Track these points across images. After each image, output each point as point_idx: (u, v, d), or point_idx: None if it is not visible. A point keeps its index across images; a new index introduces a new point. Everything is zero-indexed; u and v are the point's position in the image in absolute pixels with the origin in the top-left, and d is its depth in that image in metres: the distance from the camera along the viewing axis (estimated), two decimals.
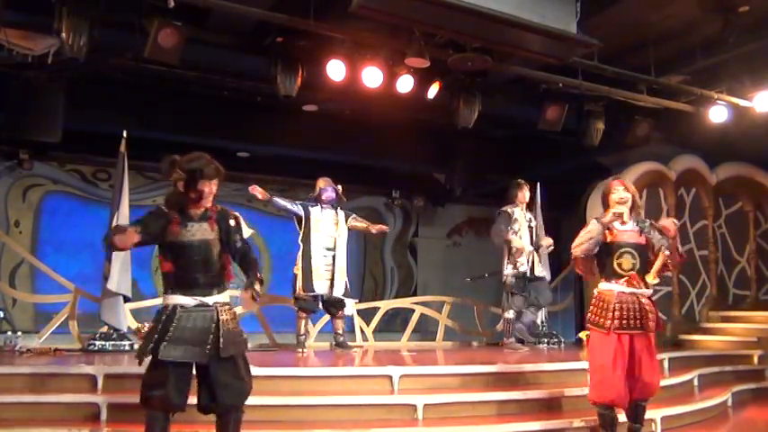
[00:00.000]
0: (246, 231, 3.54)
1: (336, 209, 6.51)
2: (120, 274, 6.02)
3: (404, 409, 4.57)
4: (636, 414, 4.13)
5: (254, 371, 4.74)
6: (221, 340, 3.29)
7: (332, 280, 6.29)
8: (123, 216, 6.13)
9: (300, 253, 6.35)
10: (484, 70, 6.63)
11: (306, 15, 5.57)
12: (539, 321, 7.50)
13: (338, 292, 6.32)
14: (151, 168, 9.13)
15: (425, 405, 4.56)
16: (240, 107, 8.06)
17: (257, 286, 3.39)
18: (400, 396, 4.69)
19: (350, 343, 6.76)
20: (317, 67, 6.32)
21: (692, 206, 8.45)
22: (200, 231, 3.36)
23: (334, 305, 6.41)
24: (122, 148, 6.31)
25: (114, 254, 5.99)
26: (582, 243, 4.12)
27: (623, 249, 4.08)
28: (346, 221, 6.53)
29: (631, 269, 4.05)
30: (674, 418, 4.99)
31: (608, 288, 4.08)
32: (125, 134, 6.30)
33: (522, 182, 6.95)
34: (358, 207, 11.29)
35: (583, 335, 4.48)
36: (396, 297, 10.83)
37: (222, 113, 8.09)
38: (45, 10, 5.22)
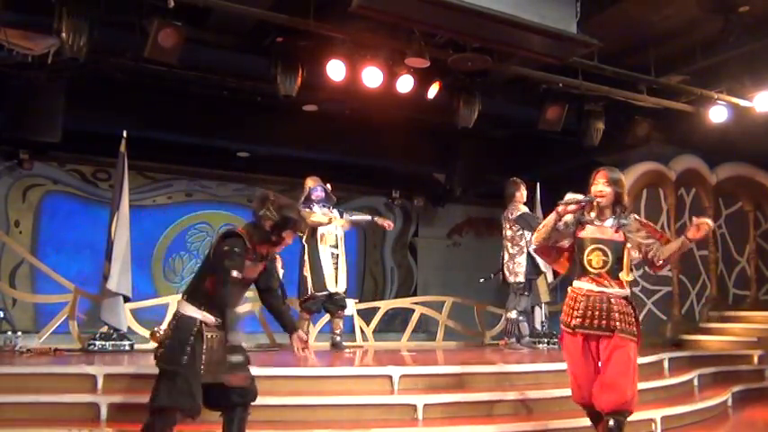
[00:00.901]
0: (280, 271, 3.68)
1: (329, 207, 6.60)
2: (120, 274, 6.02)
3: (404, 409, 4.57)
4: (601, 427, 3.76)
5: (255, 371, 4.76)
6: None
7: (337, 277, 6.41)
8: (123, 216, 6.13)
9: (307, 255, 6.40)
10: (484, 70, 6.63)
11: (306, 15, 5.57)
12: (538, 323, 7.51)
13: (341, 287, 6.45)
14: (151, 168, 9.13)
15: (425, 405, 4.56)
16: (240, 107, 8.05)
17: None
18: (400, 396, 4.70)
19: (346, 343, 6.76)
20: (317, 67, 6.32)
21: (691, 206, 8.45)
22: (256, 270, 3.46)
23: (335, 304, 6.45)
24: (122, 148, 6.31)
25: (114, 254, 6.00)
26: (539, 230, 3.89)
27: (594, 246, 3.76)
28: (341, 218, 6.62)
29: (602, 267, 3.74)
30: (674, 418, 4.99)
31: (578, 286, 3.81)
32: (125, 134, 6.30)
33: (519, 180, 6.96)
34: (358, 207, 11.26)
35: None
36: (396, 297, 10.81)
37: (222, 113, 8.08)
38: (45, 10, 5.23)
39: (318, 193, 6.53)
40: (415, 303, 8.24)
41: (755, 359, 7.08)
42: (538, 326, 7.52)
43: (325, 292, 6.35)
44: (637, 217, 3.93)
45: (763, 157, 8.55)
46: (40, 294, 8.05)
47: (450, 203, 11.68)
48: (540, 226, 3.91)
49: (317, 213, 6.48)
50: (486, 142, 9.35)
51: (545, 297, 7.38)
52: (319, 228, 6.44)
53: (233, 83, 7.22)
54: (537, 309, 7.46)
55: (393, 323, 9.41)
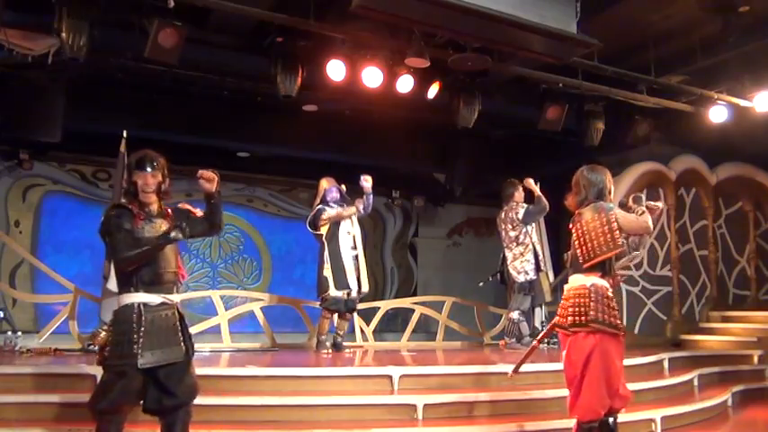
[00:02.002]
0: (198, 211, 3.56)
1: (345, 208, 6.58)
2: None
3: (404, 409, 4.57)
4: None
5: (255, 371, 4.78)
6: (190, 340, 3.36)
7: (359, 278, 6.42)
8: None
9: (327, 253, 6.38)
10: (484, 70, 6.63)
11: (306, 15, 5.57)
12: (538, 323, 7.50)
13: (365, 287, 6.49)
14: None
15: (425, 405, 4.56)
16: (240, 107, 8.05)
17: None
18: (400, 396, 4.70)
19: (346, 343, 6.76)
20: (317, 67, 6.32)
21: (692, 206, 8.46)
22: (160, 226, 3.36)
23: (348, 304, 6.43)
24: (122, 148, 6.30)
25: None
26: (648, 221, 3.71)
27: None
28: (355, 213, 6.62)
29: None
30: (674, 418, 5.00)
31: (606, 285, 3.70)
32: (125, 134, 6.30)
33: (516, 181, 6.98)
34: None
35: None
36: (396, 297, 10.81)
37: (222, 113, 8.08)
38: (45, 10, 5.22)
39: (334, 195, 6.53)
40: (415, 303, 8.24)
41: (755, 359, 7.08)
42: (538, 325, 7.50)
43: (347, 290, 6.32)
44: None
45: (763, 157, 8.55)
46: (40, 294, 8.05)
47: (450, 203, 11.68)
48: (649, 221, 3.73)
49: (335, 211, 6.47)
50: (486, 142, 9.35)
51: (548, 297, 7.39)
52: (341, 228, 6.43)
53: (233, 83, 7.21)
54: (537, 309, 7.46)
55: (393, 323, 9.41)
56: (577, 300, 3.65)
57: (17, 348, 5.71)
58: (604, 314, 3.58)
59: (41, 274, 7.45)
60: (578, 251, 3.72)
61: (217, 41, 6.43)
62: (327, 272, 6.34)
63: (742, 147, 8.27)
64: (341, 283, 6.31)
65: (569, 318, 3.67)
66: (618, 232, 3.61)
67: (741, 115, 7.32)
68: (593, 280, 3.66)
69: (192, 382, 3.36)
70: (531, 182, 6.76)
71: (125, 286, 3.31)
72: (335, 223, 6.44)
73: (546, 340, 7.32)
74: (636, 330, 7.73)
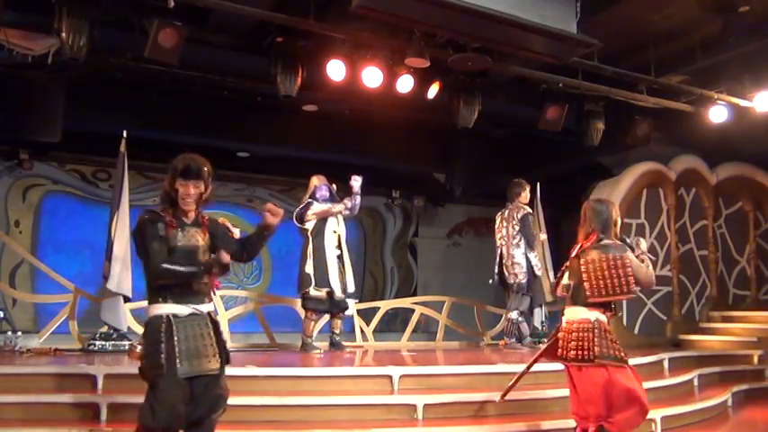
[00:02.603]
0: (237, 232, 3.45)
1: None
2: (120, 274, 6.01)
3: (404, 409, 4.57)
4: None
5: (254, 371, 4.78)
6: (225, 350, 3.26)
7: (344, 278, 6.34)
8: (123, 216, 6.13)
9: (311, 249, 6.31)
10: (484, 70, 6.64)
11: (306, 15, 5.57)
12: (538, 323, 7.50)
13: (351, 287, 6.40)
14: (151, 168, 9.14)
15: (425, 405, 4.56)
16: (240, 107, 8.05)
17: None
18: (400, 396, 4.70)
19: (346, 343, 6.74)
20: (316, 67, 6.32)
21: (692, 206, 8.46)
22: (193, 237, 3.24)
23: (338, 304, 6.37)
24: (122, 148, 6.31)
25: (114, 254, 5.99)
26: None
27: None
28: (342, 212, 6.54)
29: None
30: (674, 418, 4.99)
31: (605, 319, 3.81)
32: (125, 134, 6.30)
33: (524, 181, 6.98)
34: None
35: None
36: (396, 297, 10.82)
37: (222, 113, 8.08)
38: (45, 10, 5.22)
39: (323, 193, 6.48)
40: (415, 303, 8.25)
41: (755, 359, 7.08)
42: (538, 326, 7.51)
43: (327, 288, 6.23)
44: None
45: (763, 157, 8.55)
46: (40, 294, 8.05)
47: (450, 203, 11.68)
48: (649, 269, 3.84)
49: (324, 206, 6.42)
50: (486, 142, 9.35)
51: (548, 296, 7.38)
52: (327, 226, 6.37)
53: (233, 83, 7.22)
54: (537, 309, 7.45)
55: (393, 323, 9.41)
56: (581, 334, 3.73)
57: (17, 348, 5.71)
58: (609, 349, 3.68)
59: (41, 274, 7.46)
60: (585, 284, 3.76)
61: (217, 41, 6.43)
62: (309, 268, 6.26)
63: (742, 147, 8.27)
64: (322, 280, 6.20)
65: (572, 351, 3.74)
66: (632, 278, 3.68)
67: (741, 115, 7.32)
68: (597, 315, 3.75)
69: (220, 394, 3.22)
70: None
71: (155, 297, 3.20)
72: (322, 220, 6.38)
73: (546, 340, 7.35)
74: (636, 330, 7.73)
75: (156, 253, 3.11)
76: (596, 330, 3.69)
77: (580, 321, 3.75)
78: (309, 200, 6.47)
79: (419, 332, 8.47)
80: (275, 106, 7.58)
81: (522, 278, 6.79)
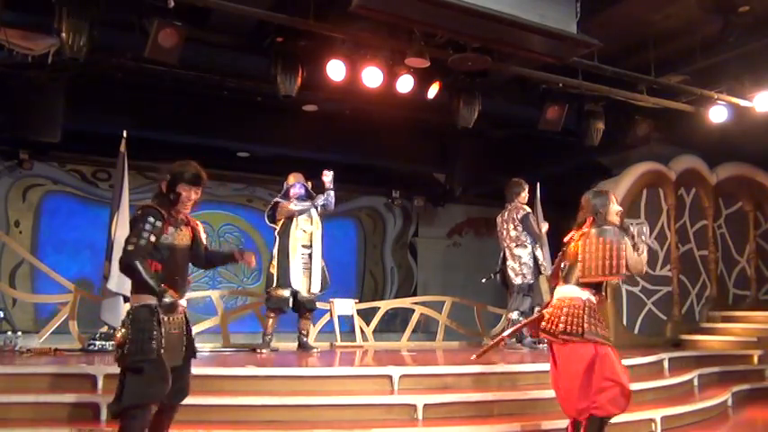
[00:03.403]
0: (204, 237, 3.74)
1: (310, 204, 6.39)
2: (120, 274, 5.96)
3: (404, 409, 4.57)
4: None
5: (254, 371, 4.78)
6: (193, 344, 3.48)
7: (310, 278, 6.22)
8: (123, 216, 6.12)
9: (276, 249, 6.25)
10: (484, 70, 6.63)
11: (306, 15, 5.57)
12: None
13: (315, 288, 6.27)
14: (151, 168, 9.14)
15: (425, 405, 4.56)
16: (240, 107, 8.05)
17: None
18: (400, 396, 4.70)
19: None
20: (316, 67, 6.32)
21: (692, 206, 8.46)
22: (183, 236, 3.51)
23: (305, 304, 6.27)
24: (122, 148, 6.31)
25: (114, 254, 5.98)
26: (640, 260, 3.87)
27: None
28: (318, 214, 6.43)
29: None
30: (674, 418, 5.00)
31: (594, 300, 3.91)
32: (125, 134, 6.30)
33: (522, 180, 6.98)
34: (358, 207, 11.30)
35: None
36: (396, 297, 10.82)
37: (222, 113, 8.08)
38: (45, 10, 5.23)
39: (297, 190, 6.37)
40: (415, 303, 8.24)
41: (755, 359, 7.08)
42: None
43: (288, 290, 6.14)
44: None
45: (763, 157, 8.55)
46: (39, 294, 8.05)
47: (450, 203, 11.68)
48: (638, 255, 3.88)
49: (293, 206, 6.31)
50: (486, 142, 9.36)
51: (548, 296, 7.37)
52: (297, 226, 6.27)
53: (233, 83, 7.22)
54: (537, 309, 7.45)
55: (393, 323, 9.41)
56: (571, 310, 3.81)
57: (17, 348, 5.71)
58: (597, 327, 3.79)
59: (41, 274, 7.46)
60: (579, 264, 3.86)
61: (217, 41, 6.43)
62: (273, 267, 6.23)
63: (742, 147, 8.27)
64: (284, 281, 6.13)
65: (560, 326, 3.80)
66: (624, 261, 3.76)
67: (741, 115, 7.31)
68: (588, 295, 3.85)
69: (185, 385, 3.47)
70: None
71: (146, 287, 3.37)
72: (289, 219, 6.28)
73: (536, 340, 7.37)
74: (636, 330, 7.73)
75: (140, 247, 3.28)
76: (586, 309, 3.80)
77: (571, 299, 3.85)
78: (277, 199, 6.43)
79: (419, 332, 8.47)
80: (275, 106, 7.58)
81: (531, 278, 6.79)
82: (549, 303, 4.03)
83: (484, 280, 7.41)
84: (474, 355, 4.48)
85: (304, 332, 6.47)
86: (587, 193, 4.07)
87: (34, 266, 8.00)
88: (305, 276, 6.23)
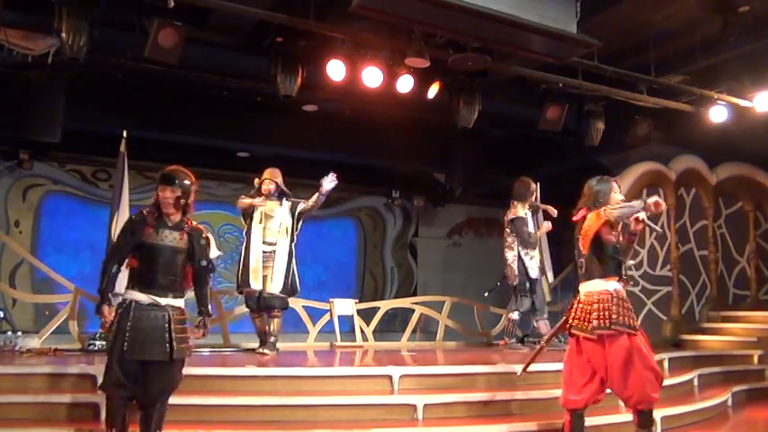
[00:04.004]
0: (214, 252, 3.94)
1: (281, 201, 6.21)
2: (120, 273, 6.00)
3: (404, 409, 4.57)
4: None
5: (254, 371, 4.78)
6: (174, 343, 3.56)
7: (268, 276, 5.98)
8: (123, 216, 6.12)
9: (243, 247, 6.15)
10: (484, 70, 6.64)
11: (306, 15, 5.57)
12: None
13: (275, 288, 5.99)
14: (151, 168, 9.14)
15: (425, 405, 4.56)
16: (240, 107, 8.05)
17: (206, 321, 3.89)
18: (400, 396, 4.70)
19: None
20: (317, 67, 6.32)
21: (692, 206, 8.45)
22: (171, 238, 3.69)
23: (266, 303, 6.01)
24: (122, 148, 6.31)
25: None
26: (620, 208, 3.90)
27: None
28: (294, 212, 6.18)
29: None
30: (674, 418, 4.99)
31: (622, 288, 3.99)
32: (125, 134, 6.29)
33: (530, 180, 6.93)
34: (358, 207, 11.30)
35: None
36: (396, 297, 10.82)
37: (222, 113, 8.08)
38: (45, 10, 5.23)
39: (268, 186, 6.17)
40: (415, 303, 8.23)
41: (755, 359, 7.08)
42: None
43: (247, 288, 5.97)
44: None
45: (763, 157, 8.55)
46: (40, 294, 8.05)
47: (450, 203, 11.68)
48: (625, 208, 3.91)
49: (249, 200, 6.15)
50: (486, 142, 9.36)
51: (547, 296, 7.38)
52: (255, 221, 6.08)
53: (233, 83, 7.22)
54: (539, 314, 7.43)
55: (393, 323, 9.40)
56: (602, 305, 3.84)
57: (17, 348, 5.71)
58: (625, 317, 3.84)
59: (41, 274, 7.46)
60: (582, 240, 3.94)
61: (217, 41, 6.43)
62: (239, 267, 6.12)
63: (742, 147, 8.26)
64: (243, 279, 5.99)
65: (594, 321, 3.82)
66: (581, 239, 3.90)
67: (741, 115, 7.31)
68: (615, 285, 3.91)
69: (169, 382, 3.61)
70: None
71: (129, 282, 3.71)
72: (250, 218, 6.12)
73: (557, 339, 7.35)
74: None
75: (115, 249, 3.82)
76: (615, 299, 3.85)
77: (599, 293, 3.88)
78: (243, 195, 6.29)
79: (419, 332, 8.46)
80: (275, 106, 7.58)
81: (515, 280, 6.77)
82: (578, 300, 4.02)
83: (487, 294, 7.39)
84: (519, 372, 4.61)
85: (269, 331, 6.12)
86: (591, 179, 4.09)
87: (34, 266, 7.99)
88: (263, 276, 5.97)
